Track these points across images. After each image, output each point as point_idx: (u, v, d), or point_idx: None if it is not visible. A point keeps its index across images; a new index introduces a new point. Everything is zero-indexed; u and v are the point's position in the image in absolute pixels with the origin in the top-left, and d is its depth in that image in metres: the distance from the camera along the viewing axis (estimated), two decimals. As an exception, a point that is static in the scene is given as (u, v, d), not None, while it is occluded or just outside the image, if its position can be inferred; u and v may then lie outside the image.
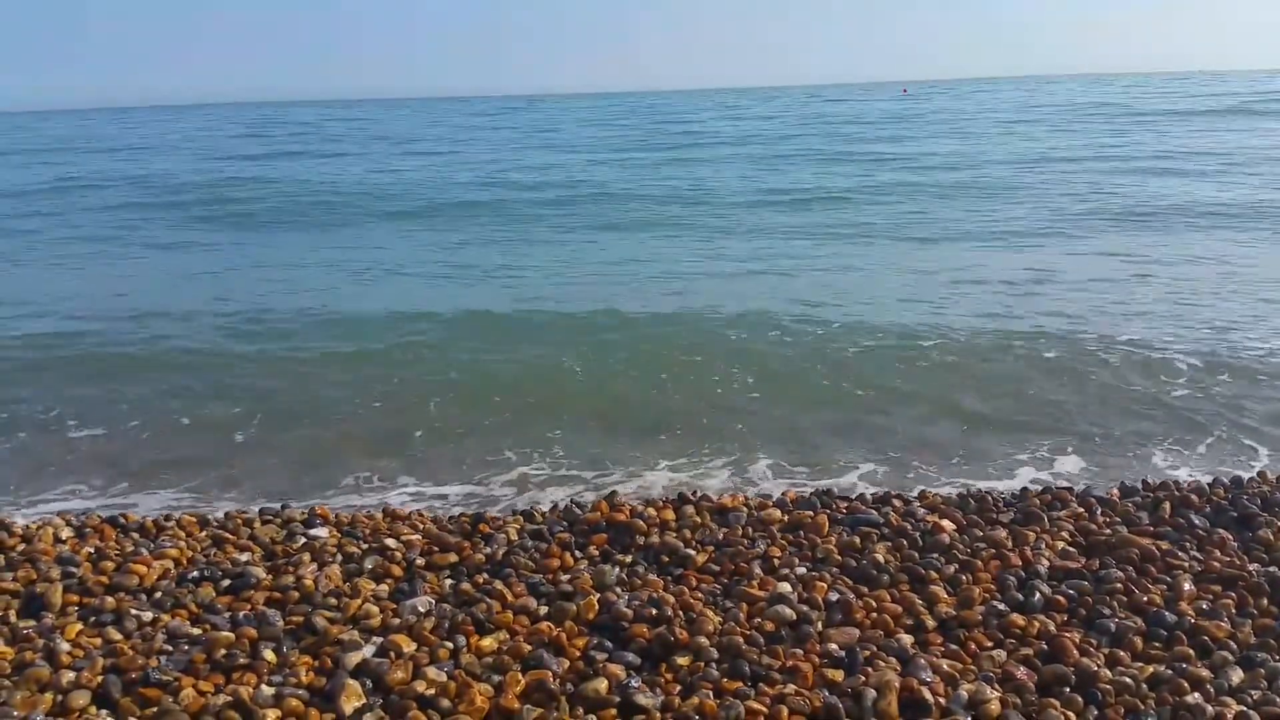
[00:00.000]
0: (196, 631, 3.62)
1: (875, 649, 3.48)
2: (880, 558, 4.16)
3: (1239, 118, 36.49)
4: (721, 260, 12.70)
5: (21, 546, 4.39)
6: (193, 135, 49.04)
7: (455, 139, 41.01)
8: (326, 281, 11.98)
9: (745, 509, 4.71)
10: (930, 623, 3.68)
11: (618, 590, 3.93)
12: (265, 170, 27.19)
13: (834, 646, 3.49)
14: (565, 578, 4.05)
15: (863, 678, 3.29)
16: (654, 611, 3.69)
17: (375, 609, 3.77)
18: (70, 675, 3.29)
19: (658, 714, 3.15)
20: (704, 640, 3.51)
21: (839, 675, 3.33)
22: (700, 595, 3.90)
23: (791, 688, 3.25)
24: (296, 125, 58.04)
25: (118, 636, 3.60)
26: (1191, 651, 3.47)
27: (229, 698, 3.18)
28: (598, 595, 3.85)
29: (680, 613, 3.71)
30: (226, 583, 4.05)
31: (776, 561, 4.17)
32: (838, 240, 13.98)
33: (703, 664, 3.40)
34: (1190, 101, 47.49)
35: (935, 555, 4.21)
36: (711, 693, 3.23)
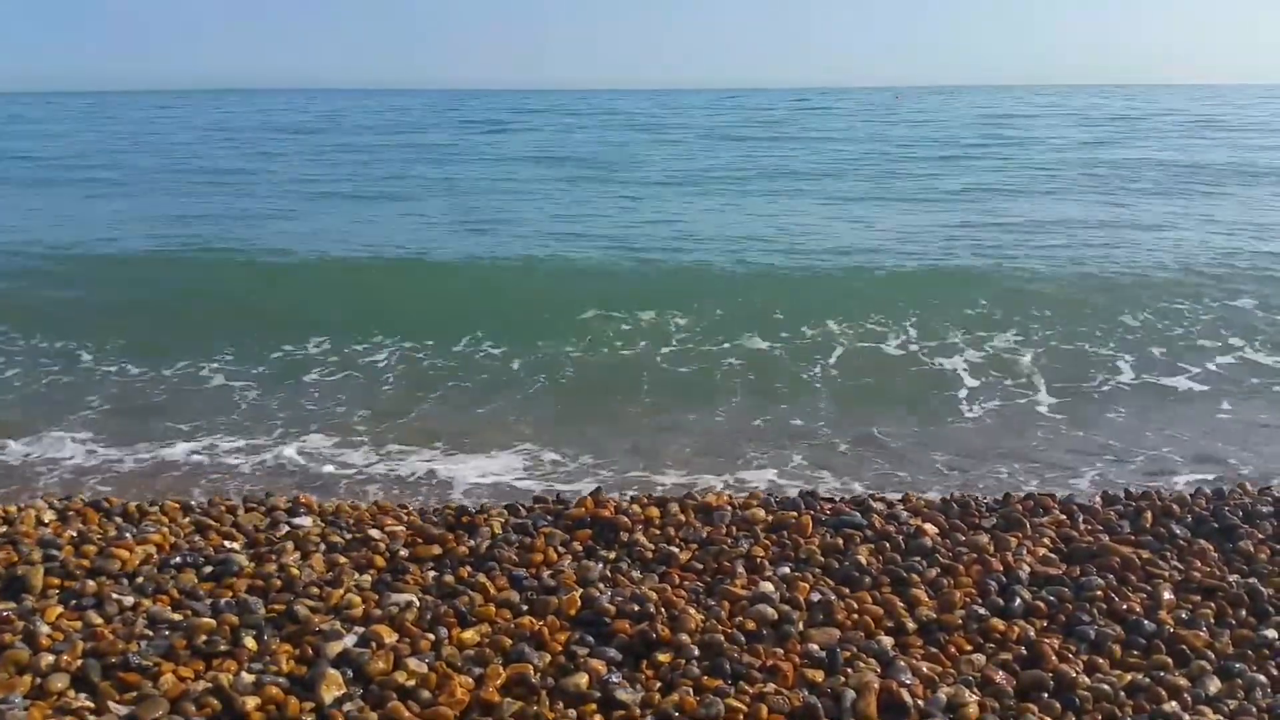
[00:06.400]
0: (178, 617, 3.61)
1: (856, 650, 3.49)
2: (863, 559, 4.17)
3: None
4: None
5: (3, 529, 4.37)
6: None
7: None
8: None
9: (730, 508, 4.71)
10: (911, 625, 3.69)
11: (601, 586, 3.93)
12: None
13: (815, 646, 3.50)
14: (548, 572, 4.06)
15: (843, 678, 3.30)
16: (636, 608, 3.69)
17: (357, 599, 3.77)
18: (49, 658, 3.27)
19: (638, 710, 3.15)
20: (686, 637, 3.51)
21: (819, 675, 3.34)
22: (683, 593, 3.91)
23: (772, 686, 3.26)
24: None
25: (98, 620, 3.58)
26: (1170, 660, 3.49)
27: (209, 684, 3.17)
28: (580, 590, 3.85)
29: (663, 610, 3.71)
30: (209, 569, 4.04)
31: (760, 561, 4.18)
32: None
33: (684, 661, 3.41)
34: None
35: (917, 558, 4.23)
36: (692, 689, 3.24)
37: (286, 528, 4.51)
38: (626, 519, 4.53)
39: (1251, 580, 4.04)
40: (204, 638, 3.44)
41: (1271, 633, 3.68)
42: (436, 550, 4.26)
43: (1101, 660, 3.50)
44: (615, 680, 3.27)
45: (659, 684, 3.31)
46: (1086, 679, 3.34)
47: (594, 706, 3.17)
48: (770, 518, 4.61)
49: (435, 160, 24.28)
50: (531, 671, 3.30)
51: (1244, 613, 3.84)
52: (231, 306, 9.70)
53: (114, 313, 9.27)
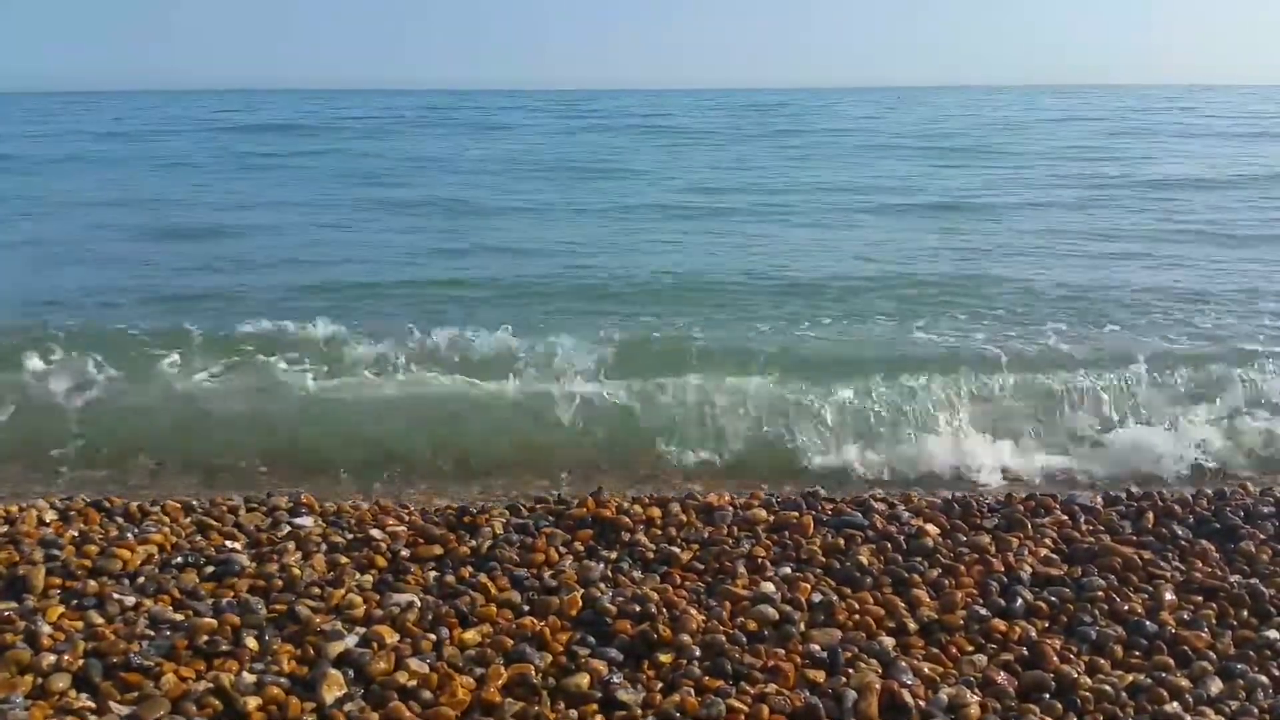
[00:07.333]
0: (179, 617, 3.61)
1: (857, 650, 3.49)
2: (864, 560, 4.17)
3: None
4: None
5: (4, 529, 4.37)
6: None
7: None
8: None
9: (731, 508, 4.71)
10: (912, 626, 3.69)
11: (602, 586, 3.94)
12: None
13: (816, 647, 3.50)
14: (550, 572, 4.06)
15: (844, 679, 3.30)
16: (638, 608, 3.69)
17: (359, 599, 3.77)
18: (51, 658, 3.27)
19: (639, 710, 3.15)
20: (687, 638, 3.51)
21: (820, 675, 3.34)
22: (684, 593, 3.91)
23: (773, 687, 3.26)
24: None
25: (100, 620, 3.58)
26: (1171, 661, 3.49)
27: (210, 684, 3.17)
28: (582, 591, 3.86)
29: (664, 610, 3.71)
30: (210, 569, 4.04)
31: (761, 561, 4.18)
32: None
33: (685, 661, 3.41)
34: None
35: (919, 559, 4.23)
36: (693, 690, 3.24)
37: (288, 528, 4.52)
38: (628, 519, 4.54)
39: (1253, 581, 4.04)
40: (205, 638, 3.44)
41: (1273, 634, 3.67)
42: (438, 550, 4.27)
43: (1103, 661, 3.50)
44: (616, 680, 3.27)
45: (660, 684, 3.31)
46: (1088, 680, 3.34)
47: (595, 707, 3.17)
48: (772, 518, 4.61)
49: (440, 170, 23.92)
50: (533, 672, 3.30)
51: (1245, 613, 3.84)
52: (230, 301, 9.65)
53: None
